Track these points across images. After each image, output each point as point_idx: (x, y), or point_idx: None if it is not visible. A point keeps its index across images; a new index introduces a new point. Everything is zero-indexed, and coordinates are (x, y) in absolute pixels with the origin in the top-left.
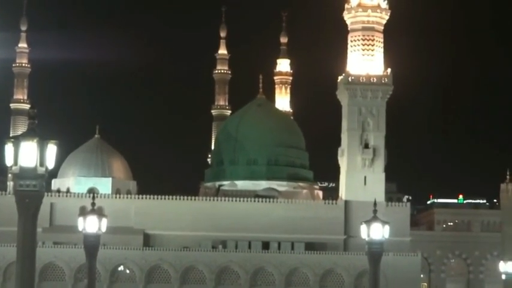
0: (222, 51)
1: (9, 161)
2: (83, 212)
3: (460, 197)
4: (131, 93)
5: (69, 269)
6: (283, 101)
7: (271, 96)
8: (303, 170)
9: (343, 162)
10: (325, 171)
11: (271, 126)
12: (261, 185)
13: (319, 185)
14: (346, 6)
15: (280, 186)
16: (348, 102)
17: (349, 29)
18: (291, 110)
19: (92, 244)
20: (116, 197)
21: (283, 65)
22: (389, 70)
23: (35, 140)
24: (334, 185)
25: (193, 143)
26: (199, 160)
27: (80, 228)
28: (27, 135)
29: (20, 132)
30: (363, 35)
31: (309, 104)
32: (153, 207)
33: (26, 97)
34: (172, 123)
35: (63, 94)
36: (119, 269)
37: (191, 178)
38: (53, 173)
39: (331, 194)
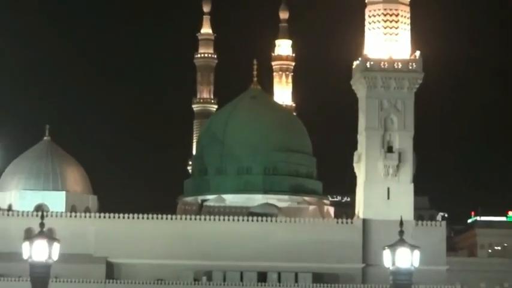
0: (206, 30)
1: None
2: (29, 235)
3: (510, 214)
4: (91, 84)
5: None
6: (283, 92)
7: (268, 87)
8: (309, 181)
9: (360, 170)
10: (338, 182)
11: (268, 125)
12: (256, 199)
13: (330, 199)
14: None
15: (281, 201)
16: (366, 94)
17: (366, 1)
18: (293, 104)
19: (40, 276)
20: (71, 216)
21: (283, 47)
22: (418, 53)
23: None
24: (349, 199)
25: (170, 146)
26: (176, 168)
27: (25, 256)
28: None
29: None
30: (385, 9)
31: (316, 96)
32: (118, 229)
33: None
34: (142, 122)
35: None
36: None
37: (167, 191)
38: None
39: (346, 210)
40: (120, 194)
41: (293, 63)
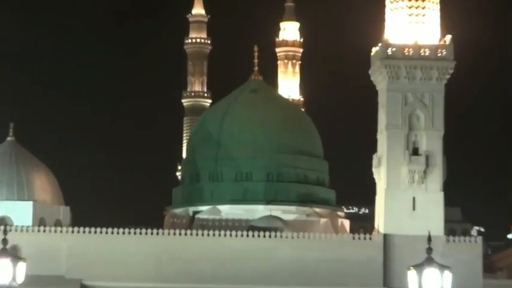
0: (198, 10)
1: None
2: None
3: None
4: (62, 75)
5: None
6: (289, 84)
7: (271, 78)
8: (320, 189)
9: (380, 176)
10: (354, 190)
11: (271, 123)
12: (258, 211)
13: (345, 210)
14: None
15: (287, 213)
16: (388, 87)
17: None
18: (302, 99)
19: None
20: (39, 231)
21: (289, 30)
22: (448, 37)
23: None
24: (367, 210)
25: (155, 148)
26: (163, 174)
27: None
28: None
29: None
30: None
31: (328, 89)
32: (94, 246)
33: None
34: (122, 119)
35: None
36: None
37: (152, 202)
38: None
39: (363, 224)
40: (97, 205)
41: (301, 50)
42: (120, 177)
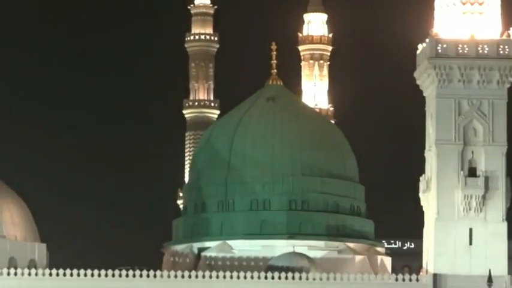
0: (202, 0)
1: None
2: None
3: None
4: (41, 76)
5: None
6: (316, 90)
7: (293, 83)
8: (355, 219)
9: (429, 203)
10: (396, 221)
11: (293, 139)
12: (278, 247)
13: (386, 245)
14: None
15: (314, 249)
16: (437, 92)
17: None
18: (331, 108)
19: None
20: (8, 274)
21: (316, 24)
22: None
23: None
24: (412, 245)
25: (151, 171)
26: (161, 203)
27: None
28: None
29: None
30: None
31: (365, 96)
32: None
33: None
34: (110, 135)
35: None
36: None
37: (147, 237)
38: None
39: (408, 262)
40: (80, 242)
41: (330, 48)
42: (108, 208)
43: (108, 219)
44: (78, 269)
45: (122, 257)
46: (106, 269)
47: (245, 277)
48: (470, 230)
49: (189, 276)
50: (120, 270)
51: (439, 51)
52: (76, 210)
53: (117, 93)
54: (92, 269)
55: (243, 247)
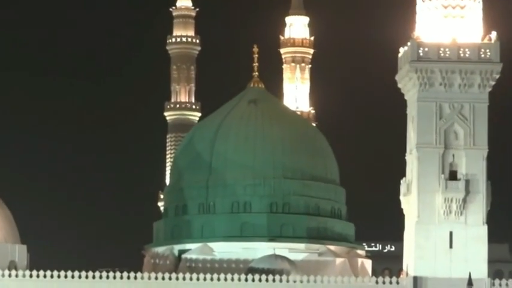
0: (184, 2)
1: None
2: None
3: None
4: (24, 80)
5: None
6: (297, 93)
7: (275, 86)
8: (335, 222)
9: (410, 206)
10: (377, 224)
11: (275, 141)
12: (259, 249)
13: (366, 248)
14: None
15: (295, 251)
16: (419, 96)
17: None
18: (312, 111)
19: None
20: None
21: (297, 27)
22: (493, 34)
23: None
24: (393, 248)
25: (131, 173)
26: (142, 206)
27: None
28: None
29: None
30: None
31: (345, 99)
32: None
33: None
34: (91, 136)
35: None
36: None
37: (128, 239)
38: None
39: (388, 265)
40: (60, 244)
41: (311, 51)
42: (88, 210)
43: (88, 221)
44: (59, 270)
45: (102, 259)
46: (86, 271)
47: (225, 279)
48: (451, 233)
49: (169, 278)
50: (101, 272)
51: (421, 54)
52: (57, 211)
53: (98, 95)
54: (72, 271)
55: (223, 249)
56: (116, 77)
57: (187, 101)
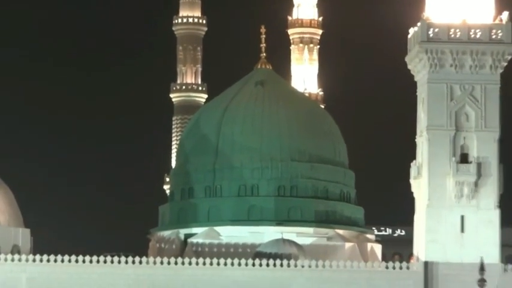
0: None
1: None
2: None
3: None
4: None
5: None
6: (305, 75)
7: (283, 67)
8: (344, 206)
9: (420, 190)
10: (387, 208)
11: (283, 123)
12: (266, 234)
13: (376, 232)
14: None
15: (303, 235)
16: (429, 77)
17: None
18: (321, 93)
19: None
20: None
21: (306, 7)
22: (505, 15)
23: None
24: (403, 232)
25: (136, 155)
26: (147, 189)
27: None
28: None
29: None
30: None
31: (354, 80)
32: (60, 279)
33: None
34: (95, 118)
35: None
36: None
37: (132, 223)
38: None
39: (399, 249)
40: (64, 228)
41: (320, 32)
42: (93, 194)
43: (92, 204)
44: (63, 255)
45: (107, 243)
46: (91, 255)
47: (232, 264)
48: (462, 217)
49: (175, 263)
50: (105, 256)
51: (431, 35)
52: (60, 195)
53: (103, 77)
54: (77, 255)
55: (230, 233)
56: (121, 59)
57: (193, 82)
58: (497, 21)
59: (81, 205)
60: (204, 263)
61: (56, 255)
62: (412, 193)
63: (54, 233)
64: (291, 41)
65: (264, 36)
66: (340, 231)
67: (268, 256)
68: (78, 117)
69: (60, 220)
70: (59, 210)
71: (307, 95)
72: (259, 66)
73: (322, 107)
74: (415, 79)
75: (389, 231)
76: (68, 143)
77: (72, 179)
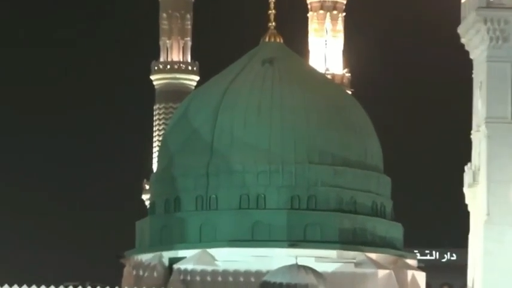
0: None
1: None
2: None
3: None
4: None
5: None
6: (328, 51)
7: (298, 40)
8: (378, 222)
9: (476, 201)
10: (431, 225)
11: (297, 115)
12: (276, 258)
13: (419, 257)
14: None
15: (323, 260)
16: (489, 54)
17: None
18: (348, 74)
19: None
20: None
21: None
22: None
23: None
24: (454, 257)
25: (108, 155)
26: (120, 199)
27: None
28: None
29: None
30: None
31: (391, 58)
32: None
33: None
34: (58, 108)
35: None
36: None
37: (103, 243)
38: None
39: (448, 279)
40: (22, 252)
41: None
42: (46, 205)
43: (51, 221)
44: (20, 285)
45: (70, 269)
46: (48, 286)
47: None
48: None
49: None
50: (67, 286)
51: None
52: (13, 213)
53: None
54: (38, 285)
55: (229, 258)
56: (90, 23)
57: (181, 60)
58: None
59: (36, 222)
60: None
61: (10, 286)
62: (466, 206)
63: (12, 259)
64: (309, 7)
65: (273, 0)
66: (372, 255)
67: (279, 287)
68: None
69: (17, 244)
70: (17, 232)
71: (329, 77)
72: (267, 39)
73: (349, 92)
74: (471, 56)
75: (436, 255)
76: (27, 142)
77: (25, 191)
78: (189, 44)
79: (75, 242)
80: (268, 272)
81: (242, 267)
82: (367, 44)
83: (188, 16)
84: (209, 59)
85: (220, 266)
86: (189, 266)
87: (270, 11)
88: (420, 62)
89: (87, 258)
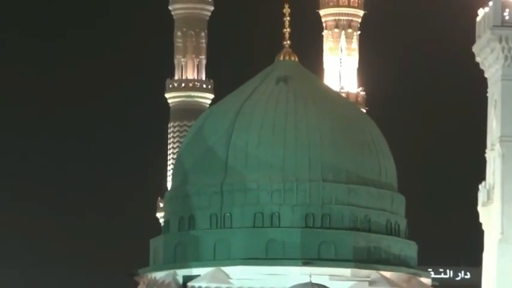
0: None
1: None
2: None
3: None
4: None
5: None
6: (342, 69)
7: (312, 59)
8: (392, 240)
9: (491, 219)
10: (446, 244)
11: (312, 133)
12: (291, 276)
13: (433, 275)
14: None
15: (338, 279)
16: (504, 73)
17: None
18: (363, 93)
19: None
20: None
21: None
22: None
23: None
24: (468, 275)
25: (122, 174)
26: (135, 217)
27: None
28: None
29: None
30: None
31: (406, 77)
32: None
33: None
34: (69, 125)
35: None
36: None
37: (117, 261)
38: None
39: None
40: (31, 268)
41: (361, 13)
42: (64, 224)
43: (69, 239)
44: None
45: (84, 287)
46: None
47: None
48: None
49: None
50: None
51: (506, 18)
52: (22, 228)
53: (84, 68)
54: None
55: (243, 276)
56: (105, 46)
57: (195, 78)
58: None
59: (48, 238)
60: None
61: None
62: (480, 224)
63: (21, 273)
64: (324, 25)
65: (287, 18)
66: (386, 274)
67: None
68: (59, 128)
69: (26, 258)
70: (24, 246)
71: (344, 95)
72: (281, 58)
73: (364, 111)
74: (485, 75)
75: (450, 273)
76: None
77: (36, 206)
78: (204, 62)
79: (89, 260)
80: None
81: (256, 285)
82: (382, 62)
83: (203, 34)
84: (224, 77)
85: (235, 284)
86: (203, 284)
87: (284, 30)
88: (435, 80)
89: (102, 276)
